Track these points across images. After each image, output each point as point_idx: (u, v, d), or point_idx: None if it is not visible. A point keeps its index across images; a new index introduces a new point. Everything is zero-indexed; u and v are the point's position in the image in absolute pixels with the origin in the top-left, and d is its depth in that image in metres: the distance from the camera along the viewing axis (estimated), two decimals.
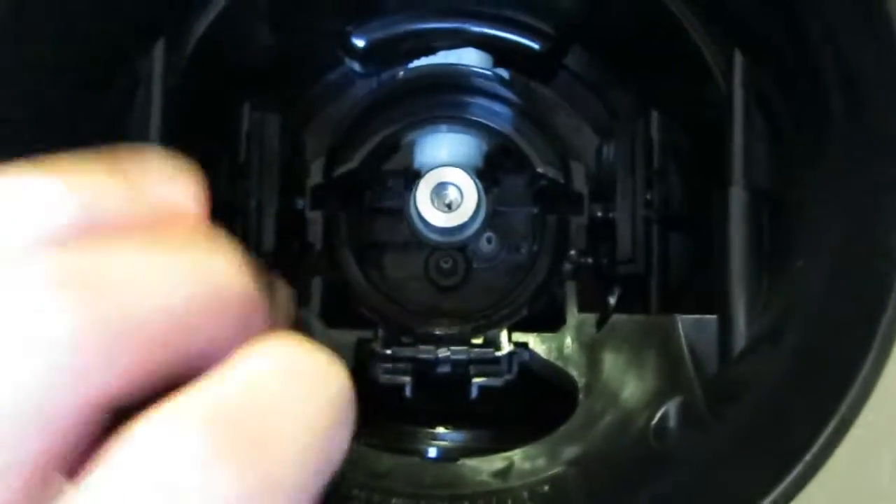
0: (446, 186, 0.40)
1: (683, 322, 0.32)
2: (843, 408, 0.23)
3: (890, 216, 0.24)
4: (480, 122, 0.40)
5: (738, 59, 0.31)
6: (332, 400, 0.16)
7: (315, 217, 0.38)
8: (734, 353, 0.31)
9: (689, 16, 0.34)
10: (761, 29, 0.31)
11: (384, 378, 0.34)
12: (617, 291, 0.41)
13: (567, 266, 0.39)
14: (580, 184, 0.38)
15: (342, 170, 0.39)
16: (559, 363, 0.34)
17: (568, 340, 0.34)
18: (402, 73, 0.39)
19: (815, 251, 0.28)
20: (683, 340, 0.32)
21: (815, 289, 0.28)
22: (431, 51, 0.43)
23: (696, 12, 0.34)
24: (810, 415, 0.25)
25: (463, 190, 0.40)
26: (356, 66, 0.44)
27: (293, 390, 0.15)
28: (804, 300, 0.28)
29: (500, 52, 0.43)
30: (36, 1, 0.26)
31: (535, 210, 0.42)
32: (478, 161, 0.42)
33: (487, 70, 0.39)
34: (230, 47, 0.37)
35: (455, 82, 0.39)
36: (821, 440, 0.23)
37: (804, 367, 0.27)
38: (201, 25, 0.34)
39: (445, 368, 0.36)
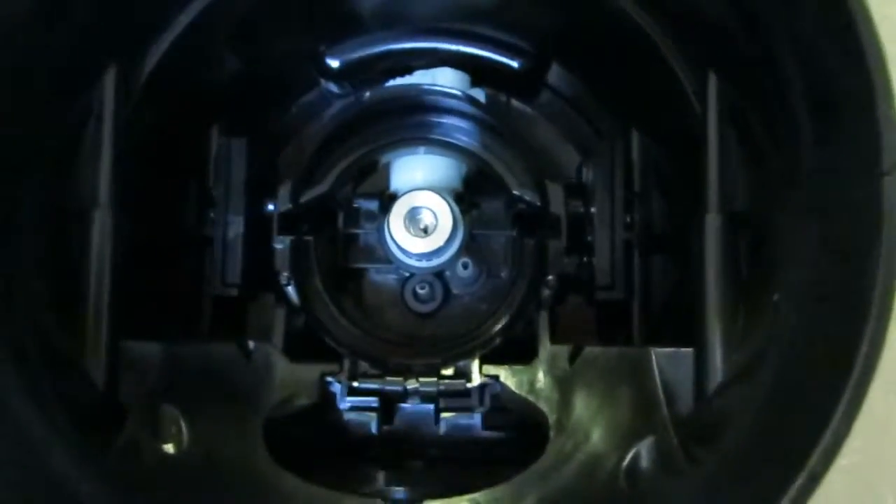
0: (420, 210, 0.39)
1: (658, 355, 0.31)
2: (814, 458, 0.22)
3: (861, 248, 0.22)
4: (453, 143, 0.39)
5: (712, 79, 0.30)
6: None
7: (283, 245, 0.37)
8: (710, 389, 0.29)
9: (663, 37, 0.33)
10: (733, 49, 0.29)
11: (349, 415, 0.33)
12: (598, 319, 0.39)
13: (545, 292, 0.37)
14: (557, 206, 0.37)
15: (311, 195, 0.38)
16: (530, 397, 0.32)
17: (540, 374, 0.33)
18: (368, 94, 0.38)
19: (791, 284, 0.26)
20: (657, 376, 0.30)
21: (790, 324, 0.26)
22: (408, 70, 0.42)
23: (669, 33, 0.33)
24: (783, 462, 0.23)
25: (437, 213, 0.38)
26: (332, 87, 0.43)
27: None
28: (780, 336, 0.26)
29: (477, 70, 0.42)
30: None
31: (515, 233, 0.40)
32: (457, 184, 0.41)
33: (458, 90, 0.37)
34: (192, 73, 0.36)
35: (425, 102, 0.38)
36: (791, 492, 0.22)
37: (778, 407, 0.25)
38: (157, 52, 0.33)
39: (414, 401, 0.34)
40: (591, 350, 0.32)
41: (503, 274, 0.40)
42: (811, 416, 0.23)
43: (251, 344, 0.34)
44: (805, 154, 0.26)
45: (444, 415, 0.34)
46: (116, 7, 0.31)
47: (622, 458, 0.29)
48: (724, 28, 0.29)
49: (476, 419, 0.34)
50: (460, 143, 0.39)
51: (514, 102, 0.44)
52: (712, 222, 0.30)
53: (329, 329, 0.37)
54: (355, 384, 0.34)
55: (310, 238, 0.38)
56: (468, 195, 0.41)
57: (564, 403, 0.32)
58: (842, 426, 0.22)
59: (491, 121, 0.38)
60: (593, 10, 0.36)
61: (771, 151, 0.29)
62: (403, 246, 0.38)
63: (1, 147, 0.26)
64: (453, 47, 0.42)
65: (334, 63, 0.43)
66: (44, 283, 0.29)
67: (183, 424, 0.30)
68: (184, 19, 0.33)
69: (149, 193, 0.36)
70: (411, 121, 0.39)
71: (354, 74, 0.43)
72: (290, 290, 0.37)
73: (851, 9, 0.22)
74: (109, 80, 0.31)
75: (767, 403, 0.26)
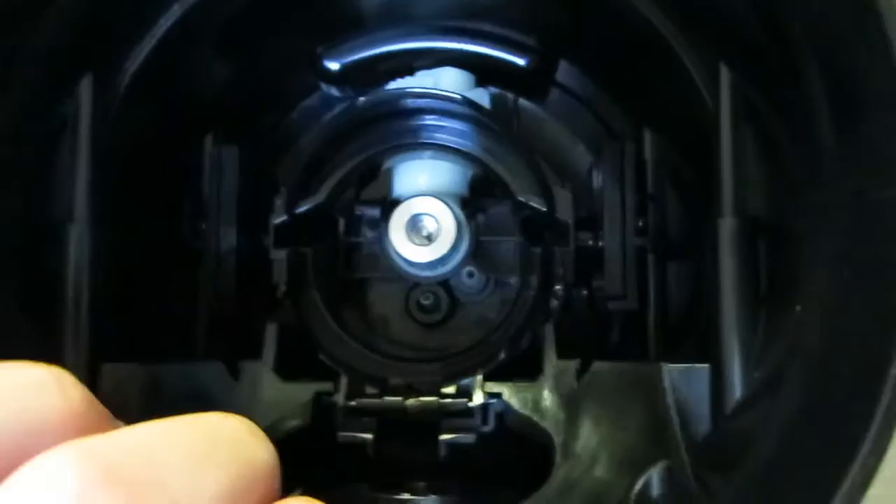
0: (422, 218, 0.37)
1: (671, 372, 0.29)
2: (843, 490, 0.20)
3: (888, 257, 0.20)
4: (455, 148, 0.37)
5: (724, 72, 0.28)
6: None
7: (279, 257, 0.35)
8: (727, 409, 0.27)
9: (672, 28, 0.31)
10: (746, 41, 0.27)
11: (343, 436, 0.31)
12: (611, 331, 0.37)
13: (554, 303, 0.35)
14: (565, 212, 0.35)
15: (307, 205, 0.36)
16: (535, 417, 0.30)
17: (545, 392, 0.30)
18: (363, 99, 0.36)
19: (813, 295, 0.24)
20: (670, 394, 0.28)
21: (813, 338, 0.24)
22: (410, 71, 0.40)
23: (678, 25, 0.30)
24: (808, 495, 0.21)
25: (440, 220, 0.37)
26: (333, 90, 0.42)
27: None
28: (803, 351, 0.24)
29: (483, 69, 0.40)
30: None
31: (522, 239, 0.38)
32: (462, 188, 0.39)
33: (457, 94, 0.35)
34: (177, 79, 0.35)
35: (424, 106, 0.36)
36: None
37: (801, 432, 0.23)
38: (137, 57, 0.32)
39: (414, 420, 0.32)
40: (599, 366, 0.30)
41: (513, 281, 0.39)
42: (839, 440, 0.20)
43: (240, 363, 0.32)
44: (825, 154, 0.23)
45: (445, 436, 0.31)
46: (91, 12, 0.29)
47: (631, 486, 0.27)
48: (736, 19, 0.27)
49: (479, 440, 0.31)
50: (463, 148, 0.37)
51: (523, 102, 0.42)
52: (726, 226, 0.28)
53: (326, 346, 0.35)
54: (353, 404, 0.32)
55: (307, 250, 0.37)
56: (473, 200, 0.39)
57: (571, 424, 0.29)
58: (871, 457, 0.19)
59: (494, 124, 0.36)
60: (600, 3, 0.34)
61: (789, 150, 0.26)
62: (405, 255, 0.37)
63: None
64: (457, 46, 0.40)
65: (333, 66, 0.41)
66: (19, 304, 0.28)
67: None
68: (164, 22, 0.32)
69: (139, 206, 0.35)
70: (410, 125, 0.37)
71: (355, 77, 0.41)
72: (287, 304, 0.35)
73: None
74: (85, 90, 0.29)
75: (791, 424, 0.23)
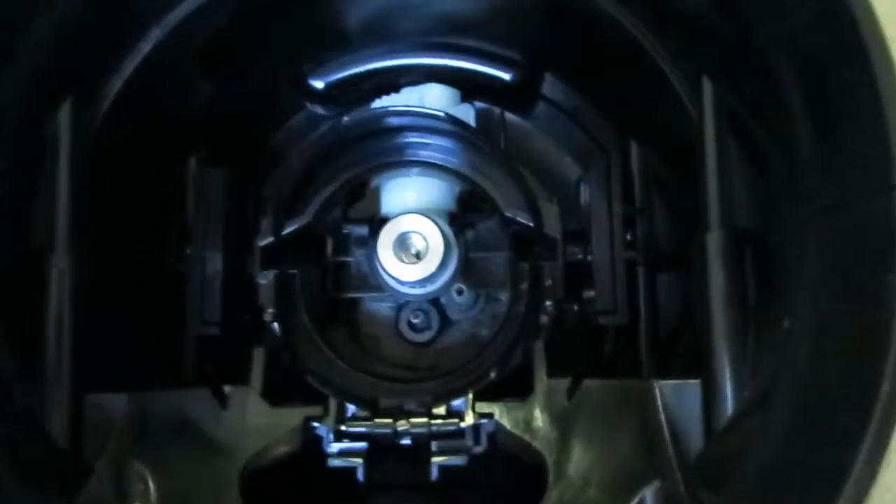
0: (409, 236, 0.36)
1: (663, 388, 0.28)
2: None
3: (874, 271, 0.19)
4: (441, 165, 0.36)
5: (707, 85, 0.28)
6: None
7: (266, 279, 0.35)
8: (719, 425, 0.27)
9: (655, 43, 0.31)
10: (727, 54, 0.27)
11: (333, 462, 0.31)
12: (603, 346, 0.37)
13: (544, 319, 0.35)
14: (553, 226, 0.35)
15: (294, 225, 0.36)
16: (527, 437, 0.30)
17: (536, 411, 0.30)
18: (346, 118, 0.36)
19: (801, 310, 0.24)
20: (662, 412, 0.28)
21: (803, 353, 0.23)
22: (395, 88, 0.40)
23: (661, 38, 0.30)
24: None
25: (428, 238, 0.36)
26: (319, 109, 0.42)
27: None
28: (793, 365, 0.24)
29: (468, 84, 0.40)
30: None
31: (512, 254, 0.38)
32: (450, 204, 0.39)
33: (440, 112, 0.35)
34: (159, 100, 0.34)
35: (409, 123, 0.36)
36: None
37: (793, 448, 0.23)
38: (118, 80, 0.31)
39: (405, 442, 0.32)
40: (590, 383, 0.30)
41: (503, 297, 0.38)
42: (831, 461, 0.20)
43: (227, 388, 0.32)
44: (806, 167, 0.23)
45: (436, 458, 0.31)
46: (72, 36, 0.29)
47: None
48: (717, 33, 0.27)
49: (470, 462, 0.31)
50: (448, 165, 0.37)
51: (509, 116, 0.42)
52: (714, 241, 0.28)
53: (314, 368, 0.35)
54: (343, 427, 0.32)
55: (294, 271, 0.36)
56: (462, 215, 0.39)
57: (563, 444, 0.29)
58: (865, 475, 0.19)
59: (478, 140, 0.36)
60: (583, 17, 0.34)
61: (773, 163, 0.26)
62: (394, 274, 0.36)
63: None
64: (442, 62, 0.40)
65: (318, 84, 0.41)
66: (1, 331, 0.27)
67: (150, 482, 0.28)
68: (144, 46, 0.32)
69: (123, 230, 0.35)
70: (395, 143, 0.37)
71: (340, 95, 0.41)
72: (275, 326, 0.35)
73: (853, 9, 0.20)
74: (65, 114, 0.29)
75: (782, 440, 0.23)
